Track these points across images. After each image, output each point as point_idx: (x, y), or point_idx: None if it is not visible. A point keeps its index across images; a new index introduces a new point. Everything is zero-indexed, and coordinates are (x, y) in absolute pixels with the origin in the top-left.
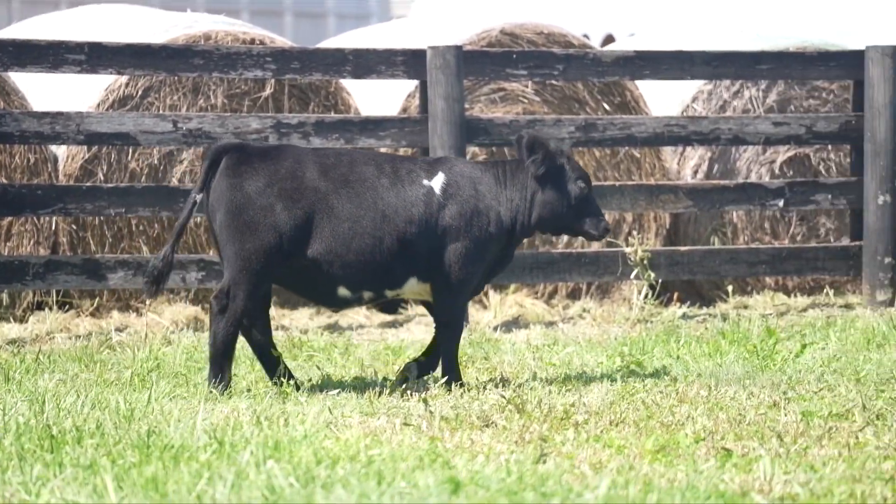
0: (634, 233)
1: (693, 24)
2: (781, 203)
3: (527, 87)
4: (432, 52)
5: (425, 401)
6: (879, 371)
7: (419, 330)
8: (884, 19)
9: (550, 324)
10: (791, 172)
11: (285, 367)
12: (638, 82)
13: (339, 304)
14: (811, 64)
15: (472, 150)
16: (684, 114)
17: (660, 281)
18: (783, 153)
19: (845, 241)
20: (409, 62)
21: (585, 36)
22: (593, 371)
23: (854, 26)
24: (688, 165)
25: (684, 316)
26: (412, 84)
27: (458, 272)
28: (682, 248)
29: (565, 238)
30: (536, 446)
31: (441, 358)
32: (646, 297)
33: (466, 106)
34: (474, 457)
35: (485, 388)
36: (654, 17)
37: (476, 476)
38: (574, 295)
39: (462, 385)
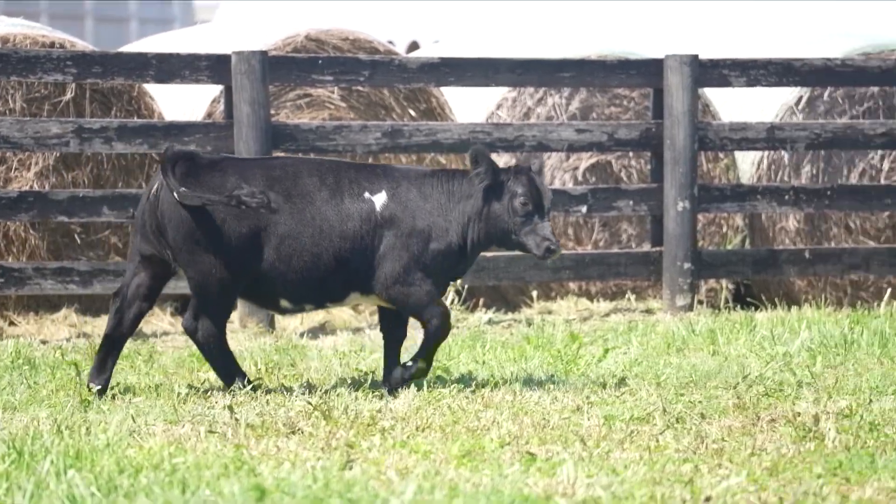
0: None
1: (498, 31)
2: (584, 209)
3: (333, 92)
4: (237, 57)
5: (230, 408)
6: (679, 375)
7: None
8: (683, 28)
9: (357, 330)
10: (594, 179)
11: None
12: (444, 89)
13: (283, 313)
14: (612, 72)
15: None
16: (489, 120)
17: (465, 286)
18: (586, 160)
19: (646, 247)
20: (214, 67)
21: (390, 42)
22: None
23: (655, 35)
24: None
25: (490, 321)
26: (217, 89)
27: (402, 288)
28: (488, 254)
29: None
30: (343, 452)
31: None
32: (452, 302)
33: (272, 111)
34: (280, 464)
35: (291, 394)
36: (458, 25)
37: (282, 483)
38: None
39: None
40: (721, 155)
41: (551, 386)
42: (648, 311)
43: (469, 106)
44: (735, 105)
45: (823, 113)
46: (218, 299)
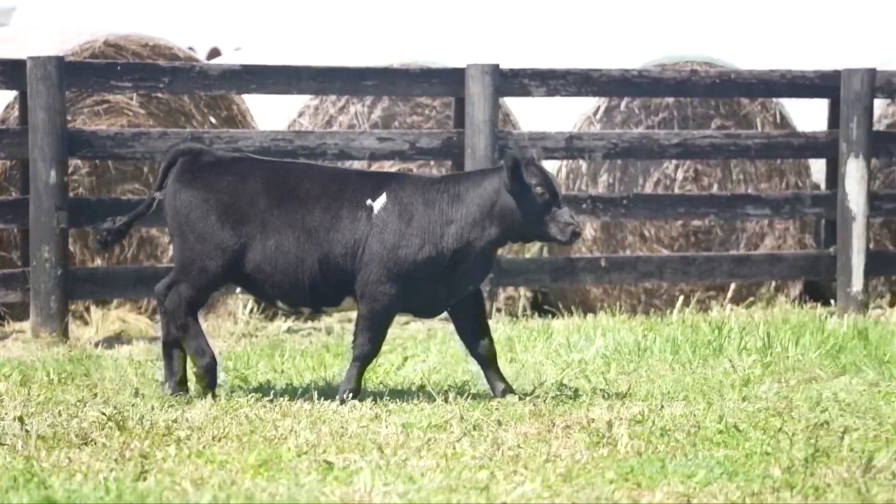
0: None
1: (301, 38)
2: None
3: (132, 99)
4: (32, 62)
5: (21, 419)
6: (476, 382)
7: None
8: (486, 37)
9: (154, 339)
10: None
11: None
12: (245, 96)
13: (288, 313)
14: (415, 80)
15: (75, 162)
16: (291, 128)
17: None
18: (388, 168)
19: None
20: (9, 72)
21: (191, 49)
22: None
23: (458, 44)
24: None
25: (289, 330)
26: (11, 94)
27: (379, 297)
28: None
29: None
30: (137, 463)
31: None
32: (251, 311)
33: (69, 118)
34: (72, 476)
35: (84, 405)
36: (260, 32)
37: (73, 495)
38: None
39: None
40: None
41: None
42: (447, 319)
43: (271, 114)
44: (535, 114)
45: (620, 123)
46: (198, 286)
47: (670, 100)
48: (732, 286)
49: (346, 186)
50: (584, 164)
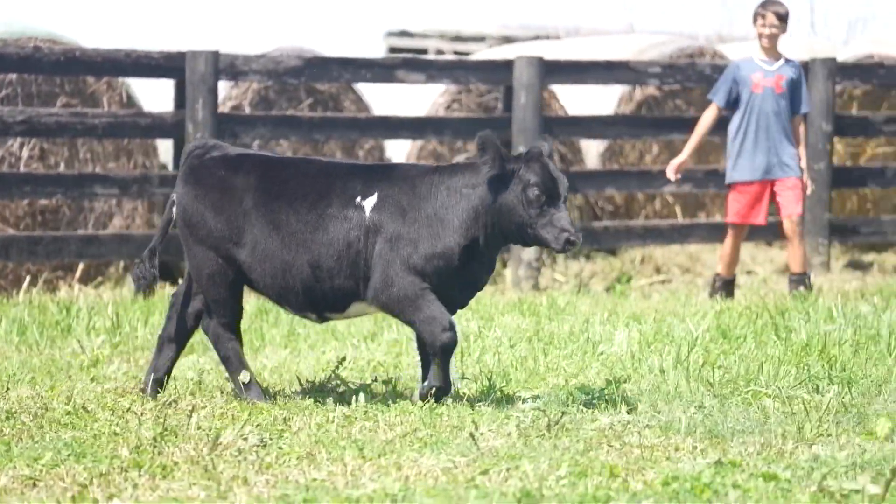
0: None
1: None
2: None
3: None
4: None
5: None
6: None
7: None
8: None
9: None
10: None
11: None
12: None
13: (301, 317)
14: None
15: None
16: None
17: None
18: None
19: None
20: None
21: None
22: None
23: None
24: None
25: None
26: None
27: (398, 294)
28: None
29: None
30: None
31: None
32: None
33: None
34: None
35: None
36: None
37: None
38: None
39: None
40: None
41: None
42: None
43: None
44: None
45: None
46: (215, 296)
47: (14, 76)
48: (81, 266)
49: (337, 183)
50: None
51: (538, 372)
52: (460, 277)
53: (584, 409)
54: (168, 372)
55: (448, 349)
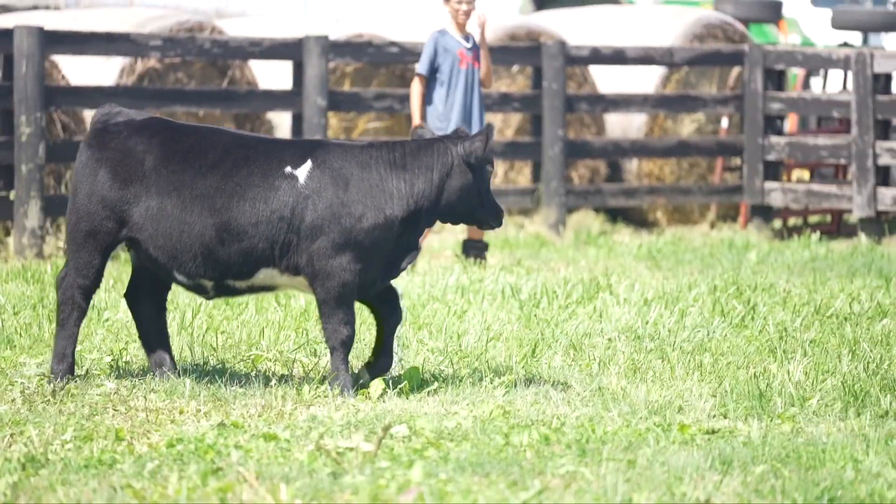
0: None
1: None
2: None
3: None
4: None
5: None
6: None
7: None
8: None
9: None
10: None
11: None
12: None
13: (190, 291)
14: None
15: None
16: None
17: None
18: None
19: None
20: None
21: None
22: None
23: None
24: None
25: None
26: None
27: (327, 269)
28: None
29: None
30: None
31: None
32: None
33: None
34: None
35: None
36: None
37: None
38: None
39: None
40: None
41: None
42: None
43: None
44: None
45: None
46: (85, 257)
47: None
48: None
49: (260, 153)
50: None
51: (43, 339)
52: (394, 252)
53: (90, 375)
54: (172, 359)
55: (347, 345)
